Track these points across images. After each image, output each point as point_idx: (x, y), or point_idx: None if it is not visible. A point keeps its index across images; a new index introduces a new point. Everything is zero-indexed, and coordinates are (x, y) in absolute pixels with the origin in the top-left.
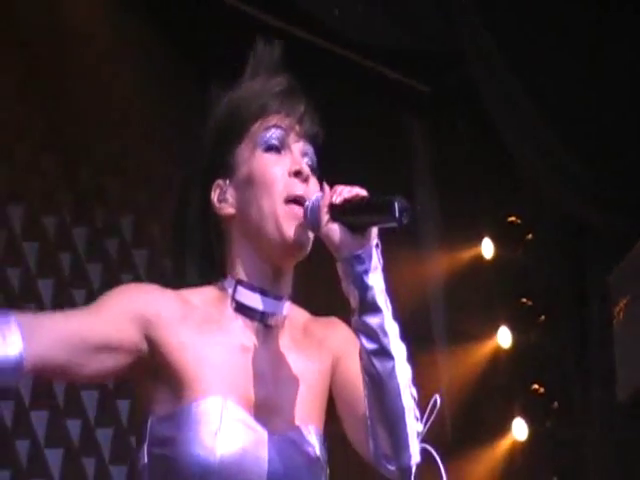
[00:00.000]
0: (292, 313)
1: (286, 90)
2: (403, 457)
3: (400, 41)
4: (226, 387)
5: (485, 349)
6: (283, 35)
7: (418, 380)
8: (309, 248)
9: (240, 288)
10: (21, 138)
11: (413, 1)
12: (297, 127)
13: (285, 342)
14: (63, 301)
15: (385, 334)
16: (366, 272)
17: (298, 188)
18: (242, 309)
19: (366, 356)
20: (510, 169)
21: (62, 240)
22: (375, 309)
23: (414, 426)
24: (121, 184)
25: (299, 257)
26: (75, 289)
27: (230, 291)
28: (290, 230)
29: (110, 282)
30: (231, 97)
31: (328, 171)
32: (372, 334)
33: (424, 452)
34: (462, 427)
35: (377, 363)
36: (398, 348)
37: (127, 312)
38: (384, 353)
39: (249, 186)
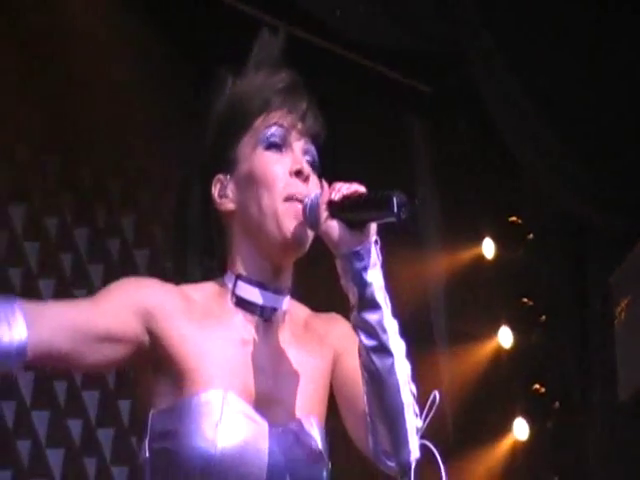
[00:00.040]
0: (293, 309)
1: (289, 86)
2: (402, 453)
3: (400, 41)
4: (227, 380)
5: (486, 349)
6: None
7: (419, 380)
8: (308, 245)
9: (240, 282)
10: (21, 138)
11: (413, 1)
12: (299, 125)
13: (286, 337)
14: None
15: (384, 331)
16: (365, 269)
17: (298, 188)
18: (242, 303)
19: (365, 353)
20: (511, 169)
21: (63, 240)
22: (374, 306)
23: (413, 422)
24: (122, 184)
25: (298, 254)
26: (76, 289)
27: (230, 286)
28: (290, 228)
29: (111, 282)
30: (233, 90)
31: (329, 172)
32: (371, 331)
33: (424, 449)
34: (463, 427)
35: (376, 360)
36: (397, 344)
37: (129, 304)
38: (383, 350)
39: (250, 184)
